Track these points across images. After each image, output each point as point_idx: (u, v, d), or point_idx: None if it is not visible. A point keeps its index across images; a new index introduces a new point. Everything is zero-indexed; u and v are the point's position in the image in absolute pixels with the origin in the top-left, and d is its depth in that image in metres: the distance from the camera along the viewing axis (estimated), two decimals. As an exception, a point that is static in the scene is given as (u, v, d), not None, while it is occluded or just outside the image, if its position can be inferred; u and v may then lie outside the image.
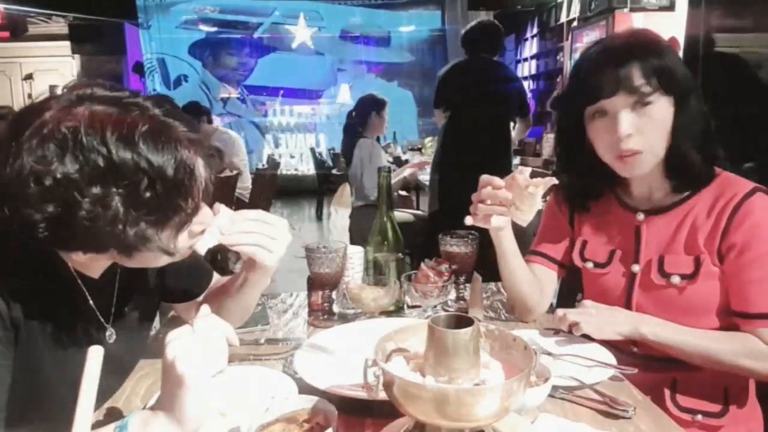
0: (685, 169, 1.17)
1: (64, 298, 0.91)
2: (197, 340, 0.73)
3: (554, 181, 1.14)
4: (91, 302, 0.94)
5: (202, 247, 0.92)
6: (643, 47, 1.14)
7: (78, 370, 0.79)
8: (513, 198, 1.14)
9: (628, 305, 1.23)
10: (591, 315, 1.15)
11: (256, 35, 10.37)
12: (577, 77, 1.21)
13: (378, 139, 4.40)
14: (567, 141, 1.27)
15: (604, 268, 1.28)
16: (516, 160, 4.93)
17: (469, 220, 1.19)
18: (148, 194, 0.76)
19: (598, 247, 1.31)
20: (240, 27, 10.30)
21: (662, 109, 1.12)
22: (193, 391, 0.70)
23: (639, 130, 1.12)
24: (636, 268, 1.23)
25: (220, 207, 0.94)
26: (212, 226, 0.93)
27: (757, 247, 1.10)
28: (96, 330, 0.96)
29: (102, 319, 0.97)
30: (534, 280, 1.34)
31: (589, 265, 1.31)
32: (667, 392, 1.18)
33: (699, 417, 1.15)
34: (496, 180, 1.15)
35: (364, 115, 4.18)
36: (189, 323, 0.75)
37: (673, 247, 1.18)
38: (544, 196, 1.16)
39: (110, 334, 0.98)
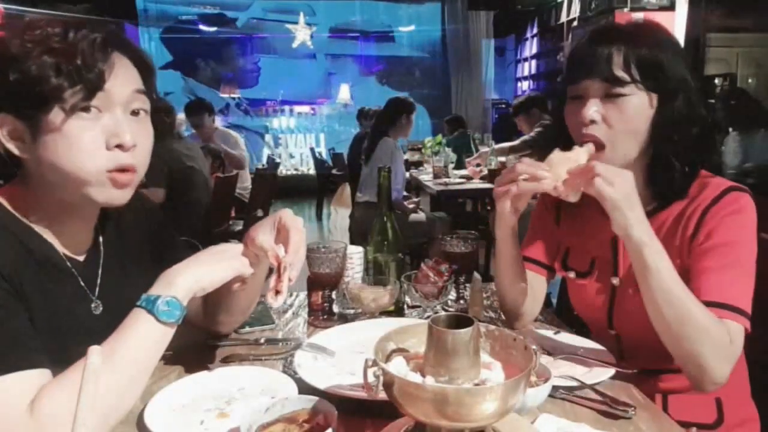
0: (665, 178, 1.08)
1: (52, 272, 0.94)
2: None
3: (591, 148, 1.04)
4: (75, 272, 0.98)
5: (278, 303, 0.97)
6: (637, 34, 1.06)
7: (65, 338, 0.90)
8: (555, 175, 1.03)
9: (609, 319, 1.20)
10: (618, 178, 0.97)
11: (239, 31, 10.02)
12: (569, 55, 1.15)
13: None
14: (553, 133, 1.19)
15: (585, 278, 1.23)
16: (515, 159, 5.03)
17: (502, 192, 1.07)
18: None
19: (580, 255, 1.26)
20: (213, 21, 9.92)
21: (637, 105, 1.05)
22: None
23: (606, 121, 1.06)
24: (615, 281, 1.18)
25: (292, 262, 0.98)
26: (285, 283, 0.96)
27: (718, 236, 1.04)
28: (82, 301, 0.99)
29: (88, 291, 1.00)
30: (529, 288, 1.27)
31: (572, 274, 1.27)
32: (659, 406, 1.14)
33: (693, 430, 1.10)
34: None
35: (395, 117, 4.23)
36: None
37: None
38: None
39: (96, 305, 1.00)
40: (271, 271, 1.02)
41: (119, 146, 0.88)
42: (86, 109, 0.86)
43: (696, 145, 1.09)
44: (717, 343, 0.97)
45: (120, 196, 0.93)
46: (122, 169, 0.90)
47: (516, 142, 4.82)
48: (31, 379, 0.80)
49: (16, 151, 0.88)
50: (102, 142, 0.88)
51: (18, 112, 0.86)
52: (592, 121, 1.06)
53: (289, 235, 1.00)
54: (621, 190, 0.97)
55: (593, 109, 1.06)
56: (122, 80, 0.89)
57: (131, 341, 0.84)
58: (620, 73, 1.04)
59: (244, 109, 10.30)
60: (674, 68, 1.06)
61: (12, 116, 0.86)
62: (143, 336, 0.85)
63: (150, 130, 0.96)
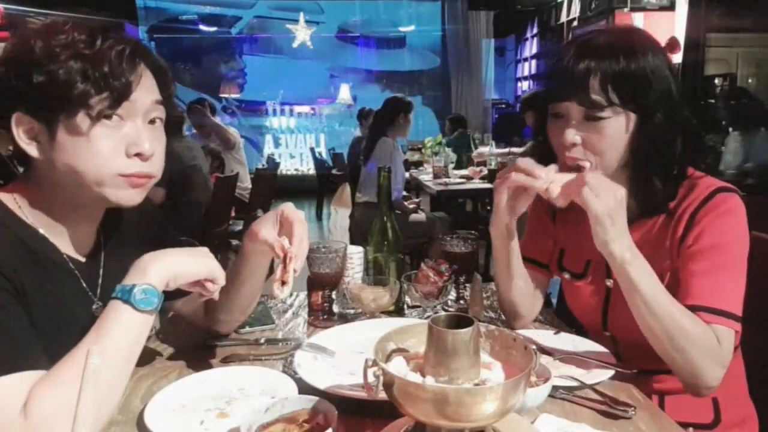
0: (647, 195, 1.08)
1: (54, 273, 0.94)
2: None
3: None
4: (77, 273, 0.97)
5: (285, 294, 0.98)
6: (615, 50, 1.03)
7: (65, 339, 0.88)
8: (551, 178, 1.05)
9: (604, 320, 1.20)
10: (605, 191, 0.97)
11: (235, 32, 9.96)
12: (547, 71, 1.16)
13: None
14: (539, 140, 1.18)
15: (580, 279, 1.24)
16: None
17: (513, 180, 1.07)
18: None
19: (575, 256, 1.26)
20: (213, 22, 9.85)
21: (617, 127, 1.05)
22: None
23: (586, 143, 1.06)
24: (609, 282, 1.18)
25: (297, 253, 1.00)
26: (290, 274, 0.98)
27: (707, 239, 1.04)
28: (83, 302, 0.98)
29: (89, 292, 0.99)
30: (528, 288, 1.27)
31: (567, 275, 1.27)
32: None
33: (690, 430, 1.12)
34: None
35: (392, 117, 4.25)
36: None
37: None
38: None
39: (97, 307, 1.00)
40: (271, 269, 1.03)
41: (138, 155, 0.90)
42: (108, 117, 0.87)
43: (682, 153, 1.08)
44: (707, 350, 0.98)
45: (133, 196, 0.93)
46: (139, 176, 0.91)
47: (523, 149, 4.82)
48: (28, 380, 0.80)
49: (32, 152, 0.88)
50: (122, 149, 0.89)
51: (37, 113, 0.86)
52: (573, 144, 1.07)
53: (293, 227, 1.01)
54: (605, 204, 0.97)
55: (573, 132, 1.07)
56: (146, 91, 0.91)
57: (114, 333, 0.84)
58: (597, 97, 1.03)
59: (242, 109, 10.27)
60: (655, 82, 1.04)
61: (30, 116, 0.86)
62: (125, 327, 0.85)
63: (164, 137, 0.97)
